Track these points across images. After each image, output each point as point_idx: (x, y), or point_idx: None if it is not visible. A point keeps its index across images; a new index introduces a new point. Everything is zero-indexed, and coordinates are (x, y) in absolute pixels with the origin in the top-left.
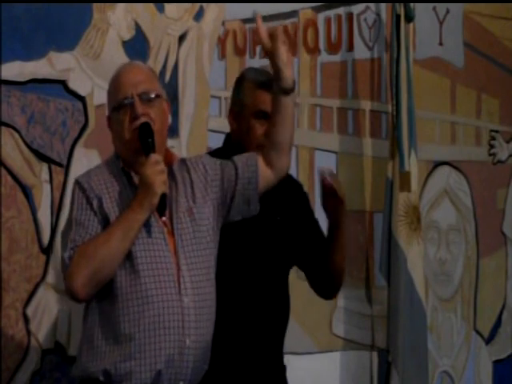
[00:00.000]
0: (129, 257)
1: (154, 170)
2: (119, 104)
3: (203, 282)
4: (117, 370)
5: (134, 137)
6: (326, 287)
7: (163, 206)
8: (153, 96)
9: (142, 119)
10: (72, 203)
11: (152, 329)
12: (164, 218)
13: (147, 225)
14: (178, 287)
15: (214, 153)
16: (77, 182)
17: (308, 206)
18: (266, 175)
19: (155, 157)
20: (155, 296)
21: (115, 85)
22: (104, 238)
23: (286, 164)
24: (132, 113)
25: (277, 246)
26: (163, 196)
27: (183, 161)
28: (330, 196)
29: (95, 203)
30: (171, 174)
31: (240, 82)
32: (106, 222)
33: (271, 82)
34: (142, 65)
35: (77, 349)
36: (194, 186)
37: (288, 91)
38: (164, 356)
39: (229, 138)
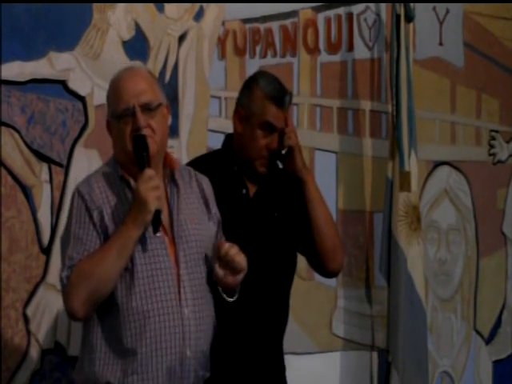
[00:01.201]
0: (129, 270)
1: (148, 186)
2: (120, 114)
3: (203, 291)
4: (120, 383)
5: None
6: (321, 255)
7: (157, 222)
8: (154, 106)
9: (144, 131)
10: (71, 210)
11: (154, 342)
12: (161, 229)
13: (148, 235)
14: (178, 299)
15: (213, 154)
16: (78, 191)
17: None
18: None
19: (149, 172)
20: (156, 310)
21: (115, 91)
22: (99, 258)
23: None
24: (134, 124)
25: (275, 243)
26: (157, 212)
27: (187, 170)
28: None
29: (95, 215)
30: (173, 180)
31: (251, 86)
32: (105, 235)
33: (282, 96)
34: (142, 70)
35: (79, 355)
36: (196, 196)
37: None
38: (166, 369)
39: (228, 139)
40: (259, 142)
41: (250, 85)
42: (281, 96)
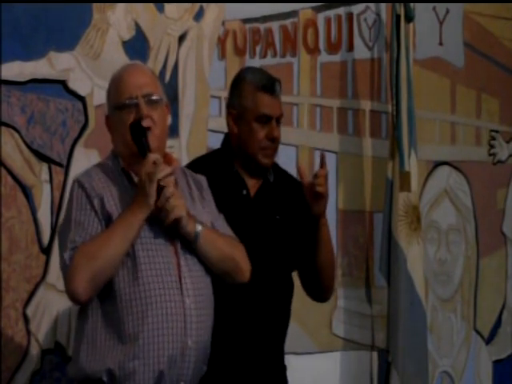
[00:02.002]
0: (130, 256)
1: (152, 170)
2: (123, 104)
3: (202, 282)
4: (120, 369)
5: None
6: (316, 287)
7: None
8: (156, 98)
9: (146, 121)
10: (70, 202)
11: (156, 329)
12: None
13: (148, 224)
14: (180, 288)
15: (212, 155)
16: (77, 181)
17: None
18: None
19: (153, 156)
20: (158, 296)
21: (118, 85)
22: (104, 239)
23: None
24: (137, 114)
25: (276, 245)
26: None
27: (182, 169)
28: (311, 192)
29: (96, 202)
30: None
31: (239, 83)
32: (108, 222)
33: (272, 83)
34: (144, 66)
35: (73, 348)
36: (192, 193)
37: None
38: (167, 357)
39: (227, 138)
40: (258, 135)
41: (237, 82)
42: (271, 83)
